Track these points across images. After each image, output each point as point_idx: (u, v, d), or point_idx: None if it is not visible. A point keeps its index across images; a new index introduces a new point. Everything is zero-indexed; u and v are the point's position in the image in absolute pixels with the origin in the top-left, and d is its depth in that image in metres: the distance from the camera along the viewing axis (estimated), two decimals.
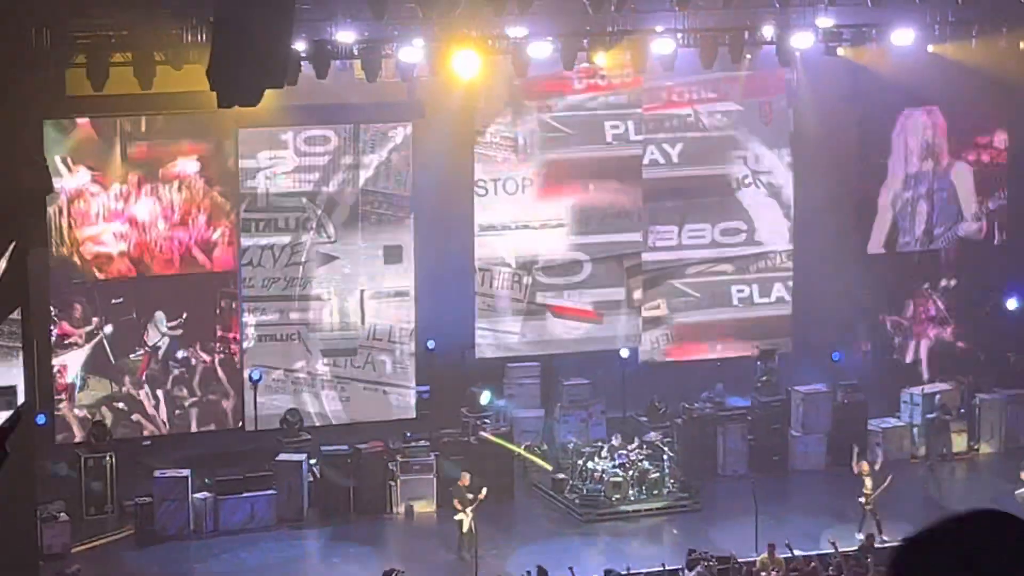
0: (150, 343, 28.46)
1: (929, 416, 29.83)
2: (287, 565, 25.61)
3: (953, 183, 32.28)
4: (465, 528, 25.60)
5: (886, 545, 24.03)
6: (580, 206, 30.82)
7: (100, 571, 24.24)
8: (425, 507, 27.35)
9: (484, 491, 26.00)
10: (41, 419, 26.16)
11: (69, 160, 27.61)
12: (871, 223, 31.87)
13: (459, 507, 25.77)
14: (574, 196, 30.75)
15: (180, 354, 28.67)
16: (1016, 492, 26.27)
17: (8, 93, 22.19)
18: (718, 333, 31.46)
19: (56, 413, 27.84)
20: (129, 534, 26.43)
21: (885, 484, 26.51)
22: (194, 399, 28.82)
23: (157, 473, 26.69)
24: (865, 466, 26.98)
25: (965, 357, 31.99)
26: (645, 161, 30.81)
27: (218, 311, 28.85)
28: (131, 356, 28.39)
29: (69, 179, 27.56)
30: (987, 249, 32.43)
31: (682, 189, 31.05)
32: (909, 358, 32.20)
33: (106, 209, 27.87)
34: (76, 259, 27.75)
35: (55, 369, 27.86)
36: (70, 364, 28.06)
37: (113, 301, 28.09)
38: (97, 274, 27.91)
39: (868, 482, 26.54)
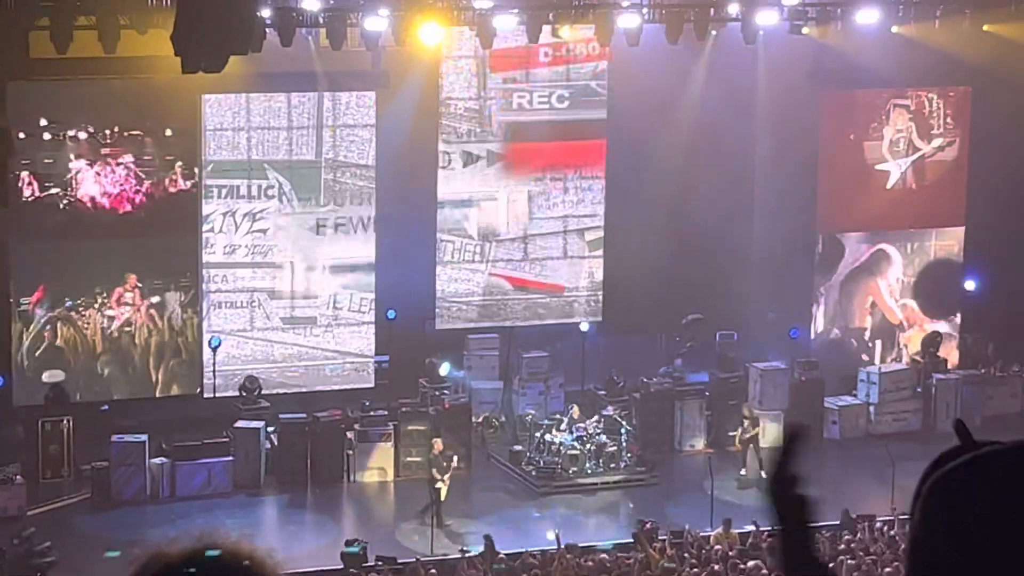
0: (109, 309, 28.37)
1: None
2: (243, 532, 25.57)
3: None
4: (444, 495, 25.54)
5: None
6: (543, 177, 30.85)
7: (55, 534, 24.19)
8: (383, 477, 27.38)
9: (456, 459, 26.06)
10: None
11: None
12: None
13: (437, 475, 25.61)
14: (538, 168, 30.78)
15: (139, 319, 28.59)
16: None
17: None
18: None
19: (14, 376, 27.80)
20: (85, 498, 26.40)
21: (757, 431, 27.44)
22: (152, 365, 28.75)
23: (114, 438, 26.64)
24: (748, 411, 28.09)
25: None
26: (610, 135, 30.85)
27: (179, 277, 28.77)
28: (91, 321, 28.29)
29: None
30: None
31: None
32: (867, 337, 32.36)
33: (71, 169, 27.78)
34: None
35: (25, 332, 27.80)
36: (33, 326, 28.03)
37: (72, 264, 28.02)
38: (59, 237, 27.84)
39: (747, 424, 27.70)
